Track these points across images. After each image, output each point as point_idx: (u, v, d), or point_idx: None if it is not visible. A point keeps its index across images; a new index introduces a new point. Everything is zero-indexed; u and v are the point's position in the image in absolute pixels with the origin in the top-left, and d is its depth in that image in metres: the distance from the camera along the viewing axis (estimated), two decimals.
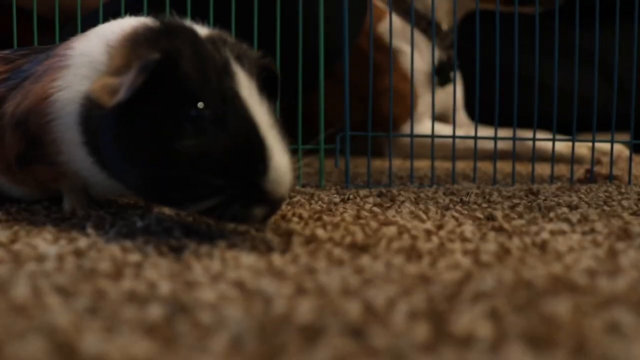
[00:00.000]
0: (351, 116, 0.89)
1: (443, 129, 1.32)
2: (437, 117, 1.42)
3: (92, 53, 0.55)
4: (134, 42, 0.52)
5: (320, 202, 0.69)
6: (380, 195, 0.76)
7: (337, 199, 0.70)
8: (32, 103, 0.57)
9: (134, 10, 0.81)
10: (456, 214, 0.63)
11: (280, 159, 0.49)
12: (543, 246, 0.49)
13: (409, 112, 1.34)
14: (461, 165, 1.17)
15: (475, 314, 0.33)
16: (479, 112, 0.91)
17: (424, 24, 1.36)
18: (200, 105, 0.49)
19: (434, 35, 0.91)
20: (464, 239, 0.52)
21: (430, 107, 1.42)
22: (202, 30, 0.54)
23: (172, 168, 0.49)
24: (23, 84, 0.59)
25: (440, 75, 1.40)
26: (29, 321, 0.33)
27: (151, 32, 0.53)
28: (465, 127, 1.42)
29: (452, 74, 1.42)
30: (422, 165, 1.18)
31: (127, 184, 0.54)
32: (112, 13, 0.91)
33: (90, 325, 0.32)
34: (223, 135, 0.48)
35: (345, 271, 0.41)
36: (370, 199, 0.71)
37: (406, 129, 1.33)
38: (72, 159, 0.57)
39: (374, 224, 0.56)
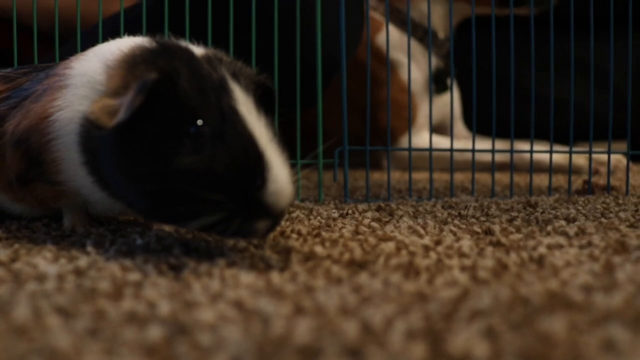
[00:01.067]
0: (349, 128, 0.90)
1: (441, 141, 1.32)
2: (435, 128, 1.43)
3: (91, 73, 0.55)
4: (132, 62, 0.53)
5: (319, 217, 0.69)
6: (378, 209, 0.76)
7: (336, 214, 0.71)
8: (32, 122, 0.57)
9: (133, 28, 0.82)
10: (454, 229, 0.63)
11: (279, 171, 0.49)
12: (540, 261, 0.50)
13: (407, 123, 1.35)
14: (460, 177, 1.17)
15: (472, 333, 0.34)
16: (476, 123, 0.92)
17: (420, 33, 1.37)
18: (198, 122, 0.50)
19: (430, 43, 0.92)
20: (461, 255, 0.52)
21: (427, 118, 1.43)
22: (198, 50, 0.55)
23: (172, 185, 0.49)
24: (23, 103, 0.60)
25: (438, 83, 1.40)
26: (29, 343, 0.33)
27: (148, 52, 0.54)
28: (463, 139, 1.43)
29: (448, 81, 1.43)
30: (421, 177, 1.19)
31: (127, 203, 0.55)
32: (111, 30, 0.92)
33: (91, 348, 0.32)
34: (222, 150, 0.49)
35: (344, 289, 0.41)
36: (369, 214, 0.72)
37: (405, 140, 1.34)
38: (72, 178, 0.57)
39: (372, 240, 0.57)
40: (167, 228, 0.62)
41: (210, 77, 0.51)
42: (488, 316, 0.36)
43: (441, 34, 1.40)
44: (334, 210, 0.73)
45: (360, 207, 0.77)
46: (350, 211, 0.73)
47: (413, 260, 0.49)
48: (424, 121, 1.38)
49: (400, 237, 0.58)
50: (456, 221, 0.68)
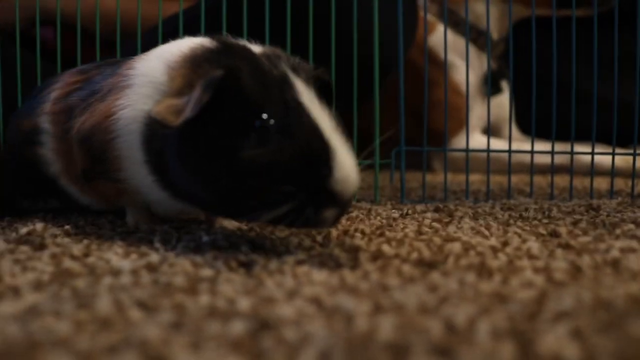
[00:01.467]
0: (399, 131, 0.89)
1: (495, 143, 1.30)
2: (487, 129, 1.41)
3: (153, 73, 0.56)
4: (194, 62, 0.54)
5: (379, 217, 0.69)
6: (437, 210, 0.75)
7: (396, 215, 0.70)
8: (97, 121, 0.58)
9: (191, 29, 0.83)
10: (518, 230, 0.62)
11: (345, 159, 0.49)
12: (615, 264, 0.49)
13: (460, 125, 1.33)
14: (513, 180, 1.15)
15: (559, 333, 0.33)
16: (535, 125, 0.90)
17: (473, 33, 1.36)
18: (264, 116, 0.50)
19: (488, 45, 0.91)
20: (531, 256, 0.51)
21: (480, 120, 1.41)
22: (256, 48, 0.56)
23: (241, 179, 0.49)
24: (90, 100, 0.61)
25: (491, 85, 1.38)
26: (116, 335, 0.33)
27: (209, 51, 0.54)
28: (516, 140, 1.40)
29: (502, 84, 1.41)
30: (472, 179, 1.17)
31: (192, 201, 0.55)
32: (169, 32, 0.93)
33: (177, 340, 0.33)
34: (288, 142, 0.49)
35: (419, 288, 0.41)
36: (429, 215, 0.71)
37: (456, 142, 1.33)
38: (133, 176, 0.58)
39: (437, 240, 0.56)
40: (230, 225, 0.63)
41: (272, 72, 0.52)
42: (573, 318, 0.35)
43: (495, 35, 1.39)
44: (393, 211, 0.73)
45: (418, 207, 0.76)
46: (409, 212, 0.73)
47: (484, 261, 0.49)
48: (475, 123, 1.37)
49: (466, 238, 0.57)
50: (519, 223, 0.66)
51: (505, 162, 1.13)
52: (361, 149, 0.89)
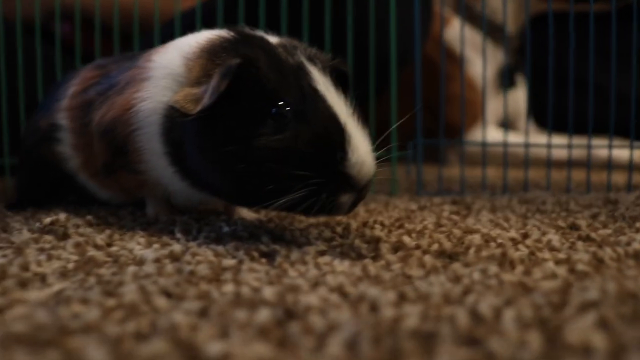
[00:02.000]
0: (414, 123, 0.89)
1: (510, 137, 1.30)
2: (501, 123, 1.40)
3: (171, 65, 0.56)
4: (211, 52, 0.54)
5: (397, 209, 0.69)
6: (454, 203, 0.75)
7: (414, 207, 0.70)
8: (117, 113, 0.59)
9: (207, 22, 0.84)
10: (537, 223, 0.62)
11: (360, 144, 0.50)
12: (637, 257, 0.48)
13: (474, 120, 1.33)
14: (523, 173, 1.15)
15: (586, 324, 0.33)
16: (552, 118, 0.89)
17: (489, 27, 1.36)
18: (280, 102, 0.50)
19: (506, 40, 0.90)
20: (552, 248, 0.51)
21: (494, 114, 1.41)
22: (273, 38, 0.56)
23: (258, 165, 0.50)
24: (109, 93, 0.61)
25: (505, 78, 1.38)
26: (144, 320, 0.34)
27: (227, 42, 0.55)
28: (532, 134, 1.40)
29: (517, 78, 1.40)
30: (487, 173, 1.17)
31: (211, 190, 0.55)
32: (186, 25, 0.94)
33: (205, 327, 0.33)
34: (304, 127, 0.50)
35: (442, 279, 0.41)
36: (446, 207, 0.71)
37: (470, 137, 1.32)
38: (153, 167, 0.58)
39: (457, 232, 0.56)
40: (248, 216, 0.63)
41: (288, 61, 0.52)
42: (599, 308, 0.35)
43: (511, 30, 1.38)
44: (411, 203, 0.73)
45: (435, 200, 0.76)
46: (427, 204, 0.73)
47: (505, 252, 0.49)
48: (490, 117, 1.36)
49: (485, 230, 0.57)
50: (537, 216, 0.66)
51: (519, 156, 1.13)
52: (376, 140, 0.89)
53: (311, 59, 0.54)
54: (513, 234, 0.56)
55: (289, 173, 0.48)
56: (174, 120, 0.53)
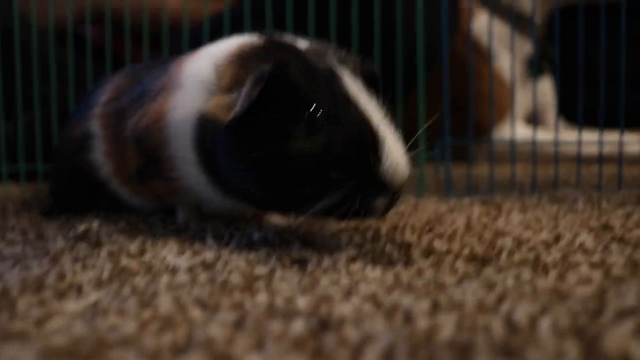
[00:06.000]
0: (441, 121, 0.88)
1: (537, 133, 1.28)
2: (528, 119, 1.39)
3: (202, 73, 0.57)
4: (241, 59, 0.54)
5: (426, 212, 0.69)
6: (484, 203, 0.75)
7: (444, 208, 0.70)
8: (149, 122, 0.59)
9: (235, 26, 0.84)
10: (569, 223, 0.61)
11: (394, 147, 0.50)
12: None
13: (501, 115, 1.32)
14: (551, 171, 1.14)
15: (625, 331, 0.32)
16: (582, 113, 0.88)
17: (513, 17, 1.34)
18: (312, 107, 0.50)
19: (533, 30, 0.89)
20: (585, 251, 0.51)
21: (522, 108, 1.39)
22: (303, 43, 0.56)
23: (291, 170, 0.50)
24: (142, 100, 0.62)
25: (533, 67, 1.36)
26: (180, 332, 0.34)
27: (256, 48, 0.55)
28: (560, 129, 1.38)
29: (545, 65, 1.38)
30: (508, 171, 1.16)
31: (243, 197, 0.56)
32: (214, 29, 0.94)
33: (241, 339, 0.33)
34: (337, 131, 0.50)
35: (475, 285, 0.41)
36: (476, 208, 0.71)
37: (498, 133, 1.31)
38: (186, 175, 0.59)
39: (488, 235, 0.56)
40: (278, 222, 0.63)
41: (319, 65, 0.52)
42: (637, 315, 0.35)
43: (537, 19, 1.36)
44: (440, 204, 0.72)
45: (465, 201, 0.76)
46: (456, 205, 0.72)
47: (538, 256, 0.48)
48: (517, 113, 1.35)
49: (516, 232, 0.57)
50: (569, 216, 0.66)
51: (547, 152, 1.12)
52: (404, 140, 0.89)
53: (341, 62, 0.54)
54: (545, 236, 0.55)
55: (323, 177, 0.49)
56: (206, 128, 0.54)
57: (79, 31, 1.14)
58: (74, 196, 0.71)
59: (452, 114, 1.21)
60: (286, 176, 0.50)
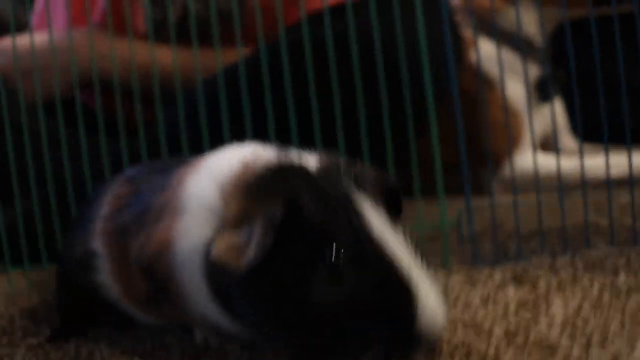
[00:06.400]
0: (448, 156, 0.83)
1: (551, 160, 1.20)
2: (540, 144, 1.33)
3: (206, 196, 0.53)
4: (247, 189, 0.49)
5: (455, 304, 0.64)
6: (516, 280, 0.70)
7: (476, 297, 0.65)
8: (155, 250, 0.55)
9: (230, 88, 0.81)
10: (618, 314, 0.57)
11: (429, 296, 0.46)
12: None
13: (514, 144, 1.26)
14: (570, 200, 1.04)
15: None
16: (607, 131, 0.80)
17: (514, 42, 1.28)
18: (331, 248, 0.46)
19: (541, 51, 0.84)
20: None
21: (530, 134, 1.33)
22: (312, 161, 0.51)
23: (313, 322, 0.46)
24: (144, 219, 0.58)
25: (541, 92, 1.30)
26: None
27: (263, 174, 0.50)
28: (573, 151, 1.33)
29: (552, 88, 1.32)
30: (529, 198, 1.08)
31: (264, 338, 0.52)
32: (209, 93, 0.90)
33: None
34: (363, 278, 0.45)
35: None
36: (510, 290, 0.66)
37: (512, 163, 1.26)
38: (199, 306, 0.55)
39: (534, 353, 0.51)
40: None
41: (334, 194, 0.48)
42: None
43: (539, 41, 1.31)
44: (468, 286, 0.68)
45: (496, 278, 0.71)
46: (487, 288, 0.67)
47: None
48: (528, 140, 1.29)
49: (565, 344, 0.52)
50: (614, 302, 0.61)
51: (572, 180, 1.06)
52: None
53: (358, 185, 0.49)
54: (597, 350, 0.51)
55: (351, 331, 0.44)
56: (217, 271, 0.50)
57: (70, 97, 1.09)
58: (83, 317, 0.67)
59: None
60: (309, 327, 0.46)
